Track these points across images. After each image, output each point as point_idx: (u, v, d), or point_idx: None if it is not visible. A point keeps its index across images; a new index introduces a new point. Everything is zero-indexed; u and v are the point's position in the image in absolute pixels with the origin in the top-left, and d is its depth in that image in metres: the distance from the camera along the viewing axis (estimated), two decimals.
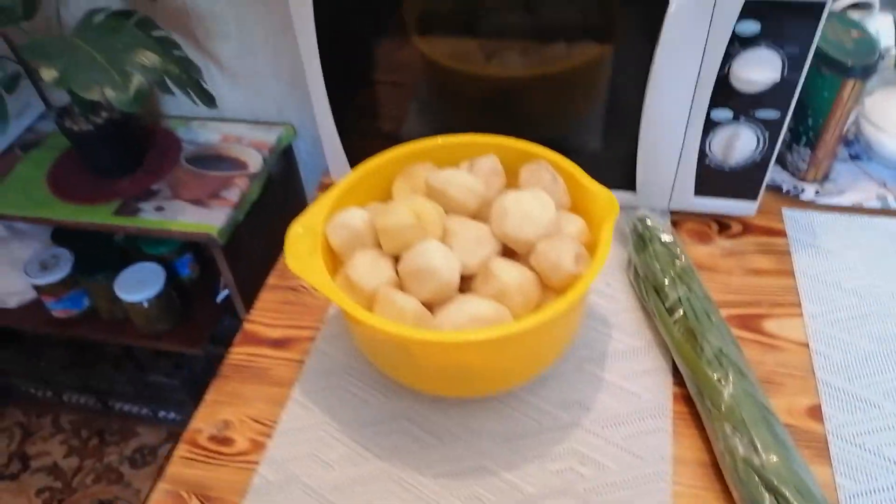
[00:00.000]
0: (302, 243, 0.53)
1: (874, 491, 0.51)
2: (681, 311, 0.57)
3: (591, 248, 0.53)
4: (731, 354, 0.55)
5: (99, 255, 1.23)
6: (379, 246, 0.54)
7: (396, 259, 0.53)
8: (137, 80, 0.82)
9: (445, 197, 0.54)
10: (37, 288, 1.21)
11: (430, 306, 0.50)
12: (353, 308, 0.47)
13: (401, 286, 0.51)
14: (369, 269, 0.51)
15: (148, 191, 1.05)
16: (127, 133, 1.07)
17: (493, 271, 0.49)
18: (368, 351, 0.56)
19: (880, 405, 0.56)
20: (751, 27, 0.55)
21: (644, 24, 0.58)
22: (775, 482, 0.47)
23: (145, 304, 1.17)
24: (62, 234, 1.27)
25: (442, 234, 0.53)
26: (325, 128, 0.72)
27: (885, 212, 0.70)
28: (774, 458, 0.48)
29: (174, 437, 1.48)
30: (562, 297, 0.46)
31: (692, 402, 0.57)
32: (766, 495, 0.47)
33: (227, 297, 1.24)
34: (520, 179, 0.58)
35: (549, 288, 0.51)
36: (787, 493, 0.47)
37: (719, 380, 0.53)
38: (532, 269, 0.51)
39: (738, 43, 0.57)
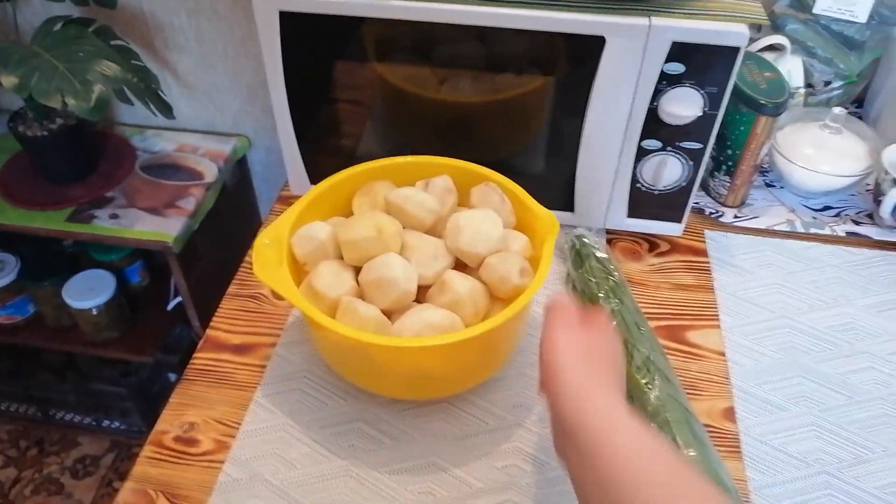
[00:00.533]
0: (268, 253, 0.56)
1: (778, 483, 0.58)
2: (613, 322, 0.63)
3: (533, 262, 0.59)
4: (658, 362, 0.61)
5: (46, 260, 1.22)
6: (341, 257, 0.58)
7: (357, 270, 0.57)
8: (98, 89, 0.84)
9: (404, 213, 0.59)
10: None
11: (389, 314, 0.55)
12: (319, 316, 0.51)
13: (361, 295, 0.56)
14: (332, 279, 0.56)
15: (102, 198, 1.06)
16: (81, 139, 1.07)
17: (449, 283, 0.54)
18: (330, 357, 0.60)
19: (785, 408, 0.63)
20: (676, 67, 0.62)
21: (584, 59, 0.64)
22: None
23: (94, 312, 1.17)
24: (7, 239, 1.25)
25: (400, 247, 0.57)
26: (287, 144, 0.76)
27: (793, 234, 0.78)
28: (693, 454, 0.55)
29: (118, 446, 1.47)
30: (509, 306, 0.52)
31: None
32: None
33: (178, 305, 1.25)
34: (471, 199, 0.63)
35: (497, 299, 0.56)
36: None
37: (647, 384, 0.59)
38: (482, 281, 0.56)
39: (665, 80, 0.64)
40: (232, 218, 1.20)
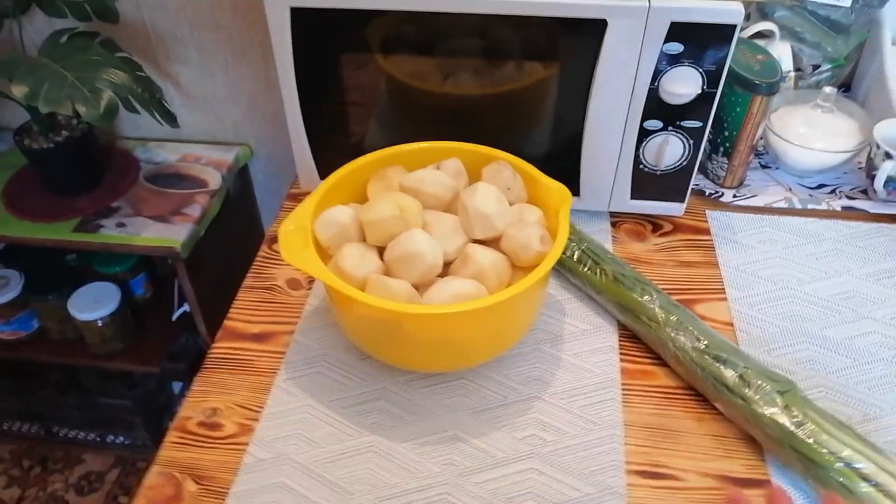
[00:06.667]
0: (294, 239, 0.58)
1: None
2: (590, 262, 0.69)
3: (550, 233, 0.61)
4: (642, 279, 0.67)
5: (50, 275, 1.23)
6: (363, 240, 0.60)
7: (380, 250, 0.59)
8: (107, 96, 0.86)
9: (421, 194, 0.61)
10: None
11: (416, 288, 0.56)
12: (352, 291, 0.53)
13: (387, 273, 0.57)
14: (358, 259, 0.57)
15: (108, 208, 1.07)
16: (86, 151, 1.08)
17: (472, 255, 0.56)
18: (356, 334, 0.61)
19: (794, 371, 0.65)
20: (675, 47, 0.65)
21: (585, 47, 0.67)
22: (721, 354, 0.60)
23: (100, 324, 1.18)
24: (10, 255, 1.26)
25: (422, 225, 0.59)
26: (298, 140, 0.78)
27: (791, 211, 0.81)
28: (712, 340, 0.61)
29: (122, 461, 1.46)
30: (533, 271, 0.54)
31: (636, 374, 0.64)
32: (718, 365, 0.59)
33: (183, 315, 1.25)
34: (482, 178, 0.65)
35: (518, 268, 0.58)
36: (732, 357, 0.59)
37: (647, 299, 0.64)
38: (503, 252, 0.58)
39: (665, 61, 0.66)
40: (235, 226, 1.21)
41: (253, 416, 0.62)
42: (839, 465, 0.52)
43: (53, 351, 1.25)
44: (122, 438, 1.41)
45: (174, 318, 1.26)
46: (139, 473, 1.43)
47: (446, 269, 0.59)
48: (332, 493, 0.56)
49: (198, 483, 0.57)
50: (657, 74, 0.67)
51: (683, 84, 0.67)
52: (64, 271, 1.25)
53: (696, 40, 0.65)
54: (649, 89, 0.68)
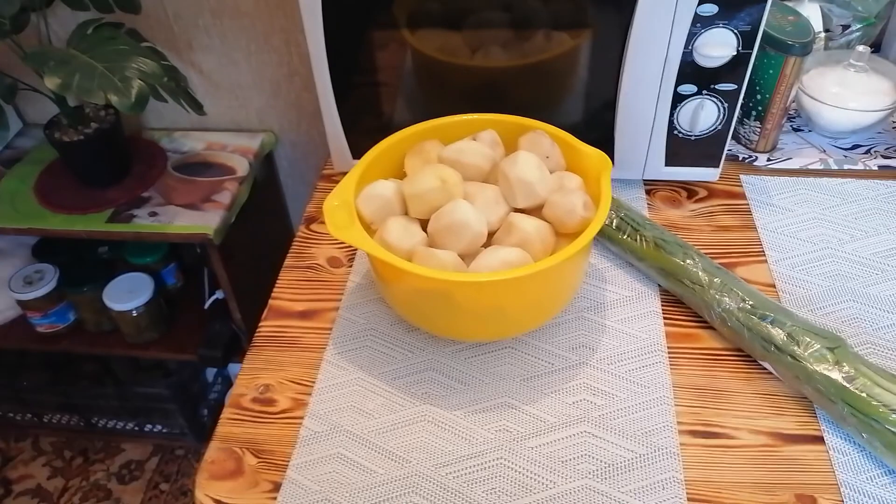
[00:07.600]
0: (339, 214, 0.59)
1: None
2: (629, 229, 0.69)
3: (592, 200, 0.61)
4: (683, 243, 0.67)
5: (84, 268, 1.25)
6: (406, 213, 0.60)
7: (423, 223, 0.60)
8: (138, 84, 0.87)
9: (460, 165, 0.61)
10: (22, 303, 1.22)
11: (462, 258, 0.57)
12: (404, 263, 0.54)
13: (431, 244, 0.58)
14: (402, 232, 0.58)
15: (139, 198, 1.08)
16: (115, 143, 1.09)
17: (515, 224, 0.56)
18: (405, 306, 0.62)
19: (840, 329, 0.65)
20: (710, 8, 0.65)
21: (617, 13, 0.67)
22: (767, 313, 0.60)
23: (135, 313, 1.19)
24: (43, 250, 1.28)
25: (464, 196, 0.59)
26: (331, 120, 0.78)
27: (827, 172, 0.80)
28: (757, 300, 0.61)
29: (161, 449, 1.48)
30: (579, 237, 0.54)
31: (681, 338, 0.65)
32: (765, 324, 0.59)
33: (215, 303, 1.27)
34: (520, 147, 0.65)
35: (561, 235, 0.59)
36: (778, 316, 0.59)
37: (690, 263, 0.65)
38: (545, 219, 0.58)
39: (699, 23, 0.66)
40: (262, 213, 1.23)
41: (305, 391, 0.63)
42: (894, 416, 0.52)
43: (90, 342, 1.27)
44: (159, 427, 1.44)
45: (206, 305, 1.27)
46: (178, 461, 1.46)
47: (489, 239, 0.60)
48: (389, 461, 0.57)
49: (257, 457, 0.59)
50: (691, 37, 0.67)
51: (718, 46, 0.67)
52: (97, 263, 1.26)
53: (731, 0, 0.64)
54: (683, 53, 0.68)
